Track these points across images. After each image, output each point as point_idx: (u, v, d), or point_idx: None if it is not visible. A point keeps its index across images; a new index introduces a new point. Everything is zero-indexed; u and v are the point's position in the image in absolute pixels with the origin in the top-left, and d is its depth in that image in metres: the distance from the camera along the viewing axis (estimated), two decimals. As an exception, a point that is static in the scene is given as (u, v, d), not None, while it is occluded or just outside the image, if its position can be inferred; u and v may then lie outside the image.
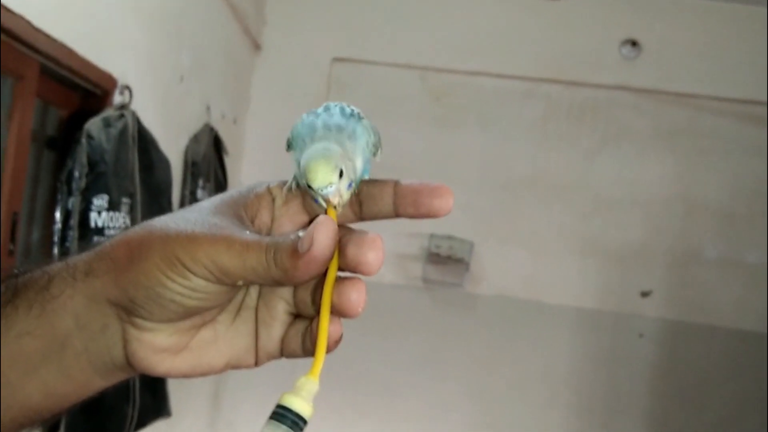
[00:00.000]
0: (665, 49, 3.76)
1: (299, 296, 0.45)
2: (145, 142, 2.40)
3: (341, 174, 0.42)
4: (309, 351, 0.43)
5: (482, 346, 3.82)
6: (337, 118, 0.45)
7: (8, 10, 1.72)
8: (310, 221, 0.42)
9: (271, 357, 0.46)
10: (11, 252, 1.95)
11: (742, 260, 3.74)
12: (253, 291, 0.46)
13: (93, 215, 2.09)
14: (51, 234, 2.07)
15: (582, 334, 3.80)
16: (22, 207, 2.01)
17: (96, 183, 2.10)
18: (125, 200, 2.23)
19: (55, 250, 2.05)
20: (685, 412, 3.75)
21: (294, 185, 0.45)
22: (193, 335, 0.44)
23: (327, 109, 0.46)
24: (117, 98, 2.30)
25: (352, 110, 0.46)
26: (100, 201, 2.11)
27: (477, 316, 3.84)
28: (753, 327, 3.68)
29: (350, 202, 0.44)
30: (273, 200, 0.45)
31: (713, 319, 3.73)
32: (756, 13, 3.63)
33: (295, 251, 0.39)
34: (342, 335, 0.43)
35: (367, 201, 0.44)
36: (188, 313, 0.42)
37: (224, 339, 0.45)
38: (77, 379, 0.43)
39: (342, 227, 0.42)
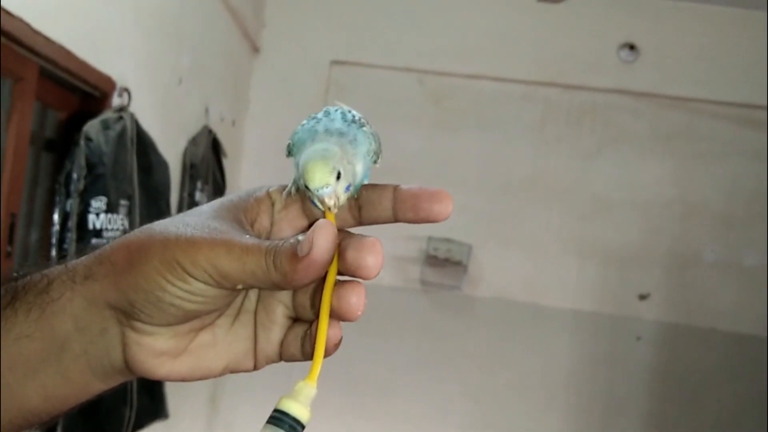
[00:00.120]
0: (663, 53, 3.77)
1: (298, 300, 0.45)
2: (144, 144, 2.40)
3: (339, 176, 0.42)
4: (308, 355, 0.43)
5: (480, 348, 3.82)
6: (338, 123, 0.45)
7: (7, 13, 1.72)
8: (310, 225, 0.42)
9: (270, 361, 0.46)
10: (9, 253, 1.95)
11: (740, 263, 3.74)
12: (252, 295, 0.46)
13: (91, 217, 2.09)
14: (49, 236, 2.07)
15: (580, 337, 3.80)
16: (21, 209, 2.01)
17: (94, 185, 2.10)
18: (123, 202, 2.23)
19: (53, 252, 2.05)
20: (684, 415, 3.75)
21: (293, 189, 0.45)
22: (192, 339, 0.44)
23: (327, 113, 0.46)
24: (116, 100, 2.30)
25: (354, 115, 0.46)
26: (98, 203, 2.11)
27: (475, 319, 3.84)
28: (751, 330, 3.69)
29: (350, 206, 0.44)
30: (272, 204, 0.45)
31: (711, 322, 3.73)
32: (754, 18, 3.64)
33: (295, 255, 0.39)
34: (341, 339, 0.43)
35: (366, 206, 0.44)
36: (188, 317, 0.42)
37: (223, 342, 0.45)
38: (76, 382, 0.43)
39: (341, 231, 0.42)
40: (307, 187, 0.42)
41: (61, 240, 2.06)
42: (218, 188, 3.28)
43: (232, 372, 0.46)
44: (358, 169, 0.44)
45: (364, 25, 3.86)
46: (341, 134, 0.44)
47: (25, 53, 1.89)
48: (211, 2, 3.13)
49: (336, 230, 0.40)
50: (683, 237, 3.77)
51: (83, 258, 0.43)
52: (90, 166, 2.08)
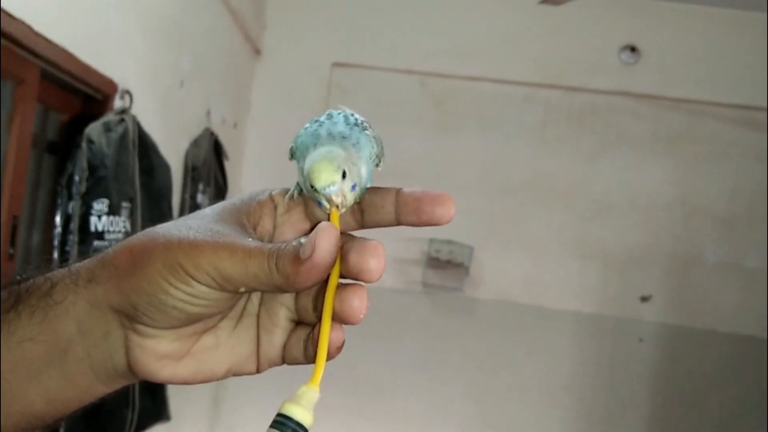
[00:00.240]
0: (664, 55, 3.77)
1: (301, 303, 0.45)
2: (146, 146, 2.40)
3: (344, 175, 0.42)
4: (311, 358, 0.43)
5: (482, 350, 3.82)
6: (341, 126, 0.45)
7: (9, 15, 1.72)
8: (312, 229, 0.42)
9: (273, 364, 0.46)
10: (11, 256, 1.95)
11: (741, 265, 3.74)
12: (255, 298, 0.46)
13: (93, 219, 2.10)
14: (51, 238, 2.08)
15: (582, 339, 3.80)
16: (23, 211, 2.01)
17: (96, 187, 2.10)
18: (125, 204, 2.24)
19: (55, 254, 2.05)
20: (685, 417, 3.75)
21: (296, 193, 0.45)
22: (194, 342, 0.44)
23: (330, 116, 0.46)
24: (117, 103, 2.30)
25: (356, 119, 0.46)
26: (100, 205, 2.11)
27: (477, 321, 3.84)
28: (753, 331, 3.68)
29: (352, 210, 0.44)
30: (275, 208, 0.46)
31: (713, 324, 3.73)
32: (755, 19, 3.64)
33: (297, 257, 0.39)
34: (344, 342, 0.43)
35: (368, 209, 0.44)
36: (190, 320, 0.42)
37: (226, 345, 0.45)
38: (79, 385, 0.44)
39: (343, 235, 0.42)
40: (313, 187, 0.42)
41: (63, 242, 2.06)
42: (220, 190, 3.28)
43: (234, 375, 0.46)
44: (363, 172, 0.44)
45: (366, 27, 3.86)
46: (344, 137, 0.44)
47: (27, 56, 1.89)
48: (213, 4, 3.14)
49: (338, 233, 0.40)
50: (684, 238, 3.77)
51: (86, 261, 0.43)
52: (92, 169, 2.09)
